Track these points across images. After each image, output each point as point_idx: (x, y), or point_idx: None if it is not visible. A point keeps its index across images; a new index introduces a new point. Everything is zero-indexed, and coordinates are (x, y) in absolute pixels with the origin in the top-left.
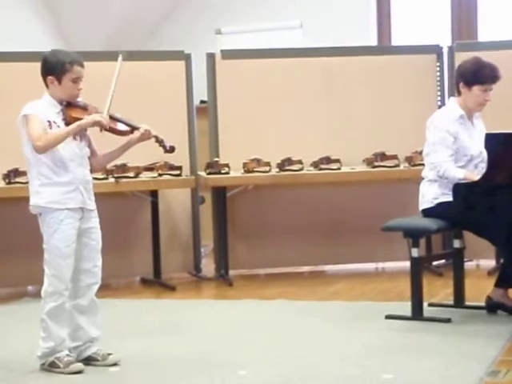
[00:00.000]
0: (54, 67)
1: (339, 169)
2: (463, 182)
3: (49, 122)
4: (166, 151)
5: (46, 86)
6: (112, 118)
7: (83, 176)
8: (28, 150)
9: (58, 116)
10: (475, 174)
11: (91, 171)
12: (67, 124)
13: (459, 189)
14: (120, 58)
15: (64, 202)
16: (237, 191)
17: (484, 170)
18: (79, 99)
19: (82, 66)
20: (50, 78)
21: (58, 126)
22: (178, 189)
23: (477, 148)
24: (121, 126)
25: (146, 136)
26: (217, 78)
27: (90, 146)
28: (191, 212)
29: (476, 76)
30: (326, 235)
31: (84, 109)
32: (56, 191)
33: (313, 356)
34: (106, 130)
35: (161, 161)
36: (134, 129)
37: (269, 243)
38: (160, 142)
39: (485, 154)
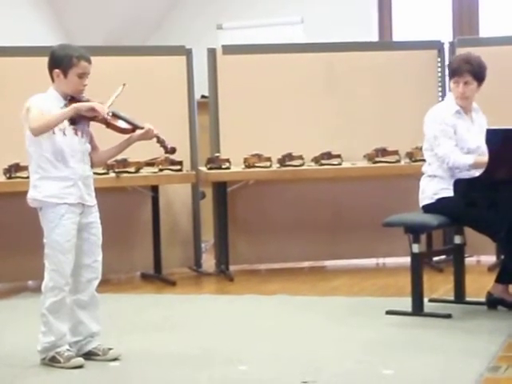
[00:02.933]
0: (61, 60)
1: (340, 164)
2: (464, 177)
3: None
4: (167, 152)
5: (52, 79)
6: (114, 115)
7: (82, 171)
8: (29, 144)
9: (61, 111)
10: (484, 157)
11: (92, 167)
12: (69, 119)
13: (460, 185)
14: (121, 87)
15: (62, 196)
16: (237, 186)
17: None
18: (83, 95)
19: (89, 62)
20: (56, 71)
21: None
22: (178, 184)
23: (474, 142)
24: (122, 124)
25: (148, 135)
26: (218, 73)
27: (91, 141)
28: (192, 207)
29: (448, 70)
30: (327, 231)
31: None
32: (54, 185)
33: (313, 351)
34: (107, 124)
35: (161, 156)
36: (136, 128)
37: (269, 238)
38: (161, 142)
39: (483, 148)
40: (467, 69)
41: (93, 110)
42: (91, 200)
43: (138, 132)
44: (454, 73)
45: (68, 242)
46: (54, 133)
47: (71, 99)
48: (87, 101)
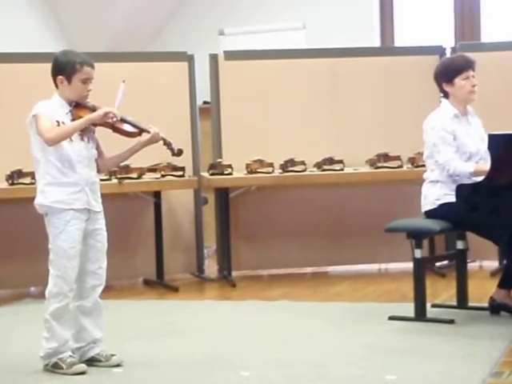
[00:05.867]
0: (64, 67)
1: (342, 170)
2: (466, 182)
3: (57, 122)
4: (174, 154)
5: (56, 86)
6: (120, 119)
7: (89, 177)
8: (36, 150)
9: (66, 117)
10: (484, 165)
11: (98, 172)
12: None
13: (462, 190)
14: (123, 85)
15: (69, 202)
16: (240, 192)
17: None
18: (88, 100)
19: (93, 67)
20: (59, 77)
21: None
22: (180, 190)
23: (474, 145)
24: (128, 127)
25: (155, 139)
26: (220, 79)
27: (97, 147)
28: (194, 213)
29: (451, 69)
30: (329, 236)
31: (93, 110)
32: (61, 191)
33: (315, 357)
34: (113, 128)
35: (164, 162)
36: (142, 131)
37: (272, 244)
38: (168, 144)
39: (483, 151)
40: (473, 63)
41: (105, 115)
42: (98, 206)
43: (145, 137)
44: (462, 69)
45: (73, 248)
46: None
47: (76, 105)
48: (92, 106)
